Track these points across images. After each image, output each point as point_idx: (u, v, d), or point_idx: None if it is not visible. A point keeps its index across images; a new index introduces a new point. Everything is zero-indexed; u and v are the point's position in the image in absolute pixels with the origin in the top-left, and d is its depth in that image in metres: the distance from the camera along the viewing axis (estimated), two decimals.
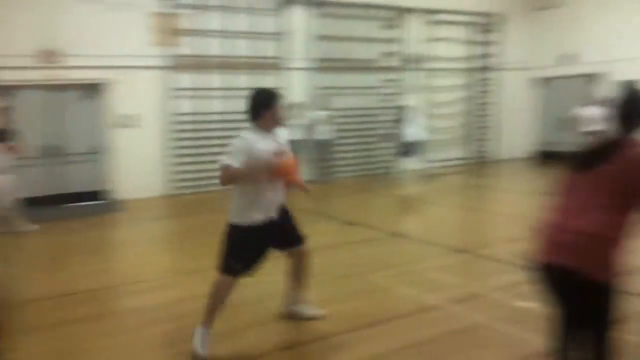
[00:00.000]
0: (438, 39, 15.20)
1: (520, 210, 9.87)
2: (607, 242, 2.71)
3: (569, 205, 2.86)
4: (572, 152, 3.05)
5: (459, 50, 15.79)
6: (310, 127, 12.99)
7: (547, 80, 16.86)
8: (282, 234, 4.36)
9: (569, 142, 15.75)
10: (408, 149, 12.36)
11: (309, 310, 4.73)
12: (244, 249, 4.16)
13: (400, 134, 12.55)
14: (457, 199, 11.76)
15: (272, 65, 12.89)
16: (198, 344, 4.07)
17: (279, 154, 4.15)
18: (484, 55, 16.24)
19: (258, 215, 4.15)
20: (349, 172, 14.18)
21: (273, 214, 4.24)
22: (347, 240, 7.74)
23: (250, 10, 12.66)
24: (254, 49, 12.69)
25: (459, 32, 15.72)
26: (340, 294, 5.40)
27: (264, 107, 4.18)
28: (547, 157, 16.42)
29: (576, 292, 2.79)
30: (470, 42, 16.00)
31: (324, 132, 13.11)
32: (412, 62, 14.90)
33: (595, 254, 2.71)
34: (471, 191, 12.69)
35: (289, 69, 13.13)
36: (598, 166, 2.75)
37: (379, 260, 6.67)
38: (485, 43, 16.23)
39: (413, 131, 12.68)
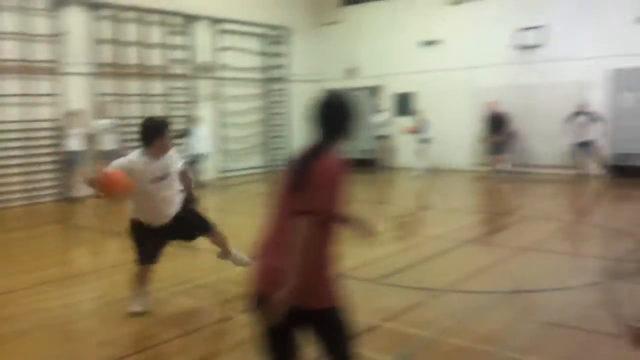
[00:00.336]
0: (227, 48, 15.24)
1: None
2: (310, 266, 2.38)
3: (270, 229, 2.57)
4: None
5: (250, 61, 16.01)
6: (92, 136, 12.07)
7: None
8: (180, 229, 4.98)
9: (355, 150, 17.02)
10: (194, 160, 12.23)
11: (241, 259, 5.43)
12: (139, 242, 4.88)
13: (188, 146, 12.37)
14: (251, 207, 11.82)
15: (46, 69, 11.74)
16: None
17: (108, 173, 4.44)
18: (274, 67, 16.69)
19: (146, 219, 4.80)
20: None
21: (163, 220, 4.82)
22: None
23: (20, 9, 11.38)
24: (25, 52, 11.45)
25: (249, 43, 15.94)
26: (126, 315, 5.01)
27: (155, 135, 4.63)
28: (359, 165, 17.37)
29: (299, 323, 2.48)
30: (260, 53, 16.33)
31: (108, 142, 12.26)
32: (201, 70, 14.71)
33: (303, 283, 2.33)
34: (265, 199, 12.85)
35: (66, 73, 12.05)
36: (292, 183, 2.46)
37: (169, 276, 6.34)
38: (275, 55, 16.69)
39: (199, 142, 12.74)
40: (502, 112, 13.52)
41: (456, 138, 14.54)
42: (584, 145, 12.50)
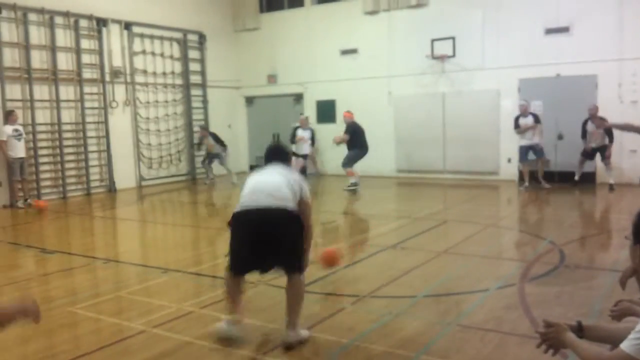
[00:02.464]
0: (141, 53, 14.82)
1: None
2: None
3: None
4: None
5: (166, 66, 15.63)
6: None
7: (258, 99, 17.79)
8: None
9: None
10: None
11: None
12: None
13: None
14: (170, 217, 11.52)
15: None
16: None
17: None
18: (192, 72, 16.37)
19: None
20: (47, 194, 12.78)
21: None
22: (46, 271, 6.86)
23: None
24: None
25: (164, 48, 15.55)
26: (34, 332, 4.68)
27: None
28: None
29: None
30: (177, 59, 15.96)
31: (18, 150, 11.58)
32: (114, 75, 14.18)
33: None
34: (185, 208, 12.56)
35: None
36: None
37: (82, 289, 6.04)
38: (192, 60, 16.37)
39: None
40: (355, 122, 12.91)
41: (376, 145, 14.75)
42: (532, 148, 12.30)
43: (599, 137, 11.61)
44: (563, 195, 11.61)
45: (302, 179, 4.48)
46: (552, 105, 13.00)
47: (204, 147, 15.51)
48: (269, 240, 4.12)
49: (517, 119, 12.42)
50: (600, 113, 11.98)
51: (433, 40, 14.28)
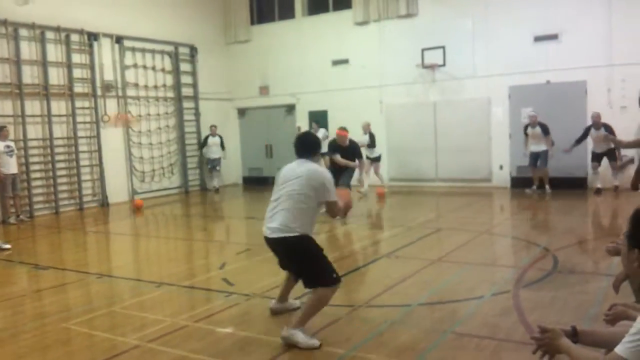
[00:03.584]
0: (133, 66, 14.84)
1: (231, 236, 10.09)
2: None
3: None
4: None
5: (158, 79, 15.65)
6: None
7: (250, 110, 17.82)
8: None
9: (273, 168, 16.99)
10: None
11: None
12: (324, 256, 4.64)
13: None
14: (165, 230, 11.48)
15: None
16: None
17: None
18: (184, 85, 16.39)
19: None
20: (40, 209, 12.74)
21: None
22: (39, 287, 6.82)
23: None
24: None
25: (156, 61, 15.57)
26: (28, 349, 4.65)
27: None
28: (253, 183, 17.32)
29: None
30: (169, 72, 15.98)
31: (10, 166, 11.53)
32: (106, 89, 14.18)
33: None
34: (180, 221, 12.51)
35: None
36: None
37: (75, 305, 6.00)
38: (184, 73, 16.40)
39: None
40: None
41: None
42: (538, 155, 12.40)
43: (602, 143, 11.61)
44: (555, 201, 11.67)
45: (327, 175, 4.67)
46: (543, 111, 13.06)
47: (209, 149, 16.06)
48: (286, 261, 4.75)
49: (525, 128, 12.56)
50: (590, 119, 12.09)
51: (423, 50, 14.38)
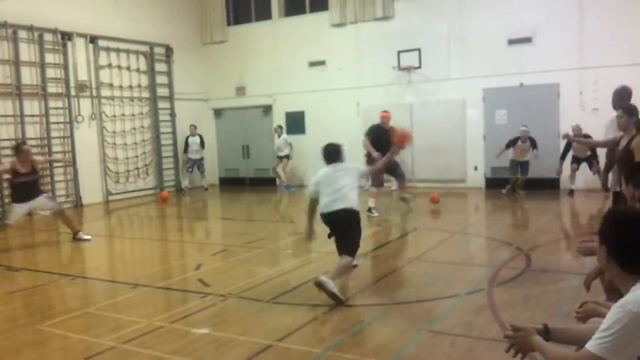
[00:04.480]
0: (107, 66, 14.67)
1: (207, 237, 10.03)
2: None
3: None
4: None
5: (133, 79, 15.50)
6: None
7: (226, 111, 17.74)
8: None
9: (250, 169, 16.97)
10: None
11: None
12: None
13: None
14: (140, 231, 11.37)
15: None
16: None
17: None
18: (159, 85, 16.26)
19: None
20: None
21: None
22: (12, 289, 6.69)
23: None
24: None
25: (131, 61, 15.42)
26: (1, 351, 4.59)
27: None
28: (230, 183, 17.25)
29: None
30: (143, 72, 15.84)
31: None
32: (80, 89, 14.00)
33: None
34: (155, 222, 12.40)
35: None
36: None
37: (49, 307, 5.92)
38: (160, 73, 16.27)
39: None
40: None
41: (345, 156, 14.80)
42: (521, 165, 12.58)
43: (582, 149, 11.81)
44: (528, 202, 11.86)
45: (354, 166, 6.40)
46: (516, 113, 13.30)
47: (189, 149, 16.01)
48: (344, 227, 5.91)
49: (514, 141, 12.47)
50: (562, 121, 12.31)
51: (399, 52, 14.48)
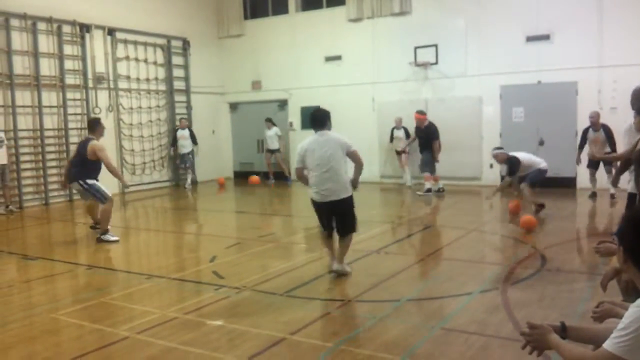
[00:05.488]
0: (125, 59, 14.76)
1: (220, 229, 10.08)
2: None
3: None
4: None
5: (150, 72, 15.57)
6: None
7: (242, 105, 17.78)
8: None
9: (264, 163, 16.97)
10: None
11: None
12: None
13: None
14: (155, 223, 11.45)
15: None
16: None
17: None
18: (176, 78, 16.33)
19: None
20: (30, 200, 12.67)
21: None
22: (28, 277, 6.79)
23: None
24: None
25: (148, 54, 15.49)
26: (15, 339, 4.64)
27: None
28: (244, 177, 17.27)
29: None
30: (161, 65, 15.91)
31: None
32: (98, 81, 14.10)
33: None
34: (171, 214, 12.48)
35: None
36: None
37: (64, 295, 5.99)
38: (177, 66, 16.33)
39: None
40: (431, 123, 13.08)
41: (360, 151, 14.75)
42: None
43: (600, 146, 10.89)
44: (545, 200, 11.73)
45: (342, 137, 6.18)
46: (533, 111, 13.18)
47: (179, 144, 15.54)
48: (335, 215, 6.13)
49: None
50: (580, 119, 12.17)
51: (416, 48, 14.40)
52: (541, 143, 12.95)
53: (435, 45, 14.23)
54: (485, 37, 13.71)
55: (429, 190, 12.82)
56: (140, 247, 8.99)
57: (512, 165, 9.69)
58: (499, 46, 13.53)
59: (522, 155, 9.88)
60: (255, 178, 15.89)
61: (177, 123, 15.86)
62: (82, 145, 8.68)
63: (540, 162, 9.93)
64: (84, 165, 8.48)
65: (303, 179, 6.22)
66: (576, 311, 4.86)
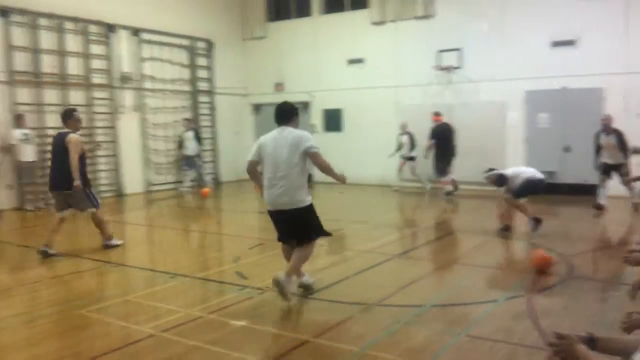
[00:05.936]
0: (150, 59, 14.92)
1: (242, 229, 10.13)
2: None
3: None
4: None
5: (174, 72, 15.72)
6: (9, 147, 11.44)
7: (265, 107, 17.85)
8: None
9: None
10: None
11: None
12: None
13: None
14: (179, 222, 11.54)
15: None
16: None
17: None
18: (200, 79, 16.46)
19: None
20: None
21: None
22: (56, 273, 6.89)
23: None
24: None
25: (173, 54, 15.64)
26: (43, 335, 4.73)
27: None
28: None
29: None
30: (185, 65, 16.05)
31: (27, 154, 11.68)
32: (123, 81, 14.28)
33: None
34: (195, 213, 12.58)
35: None
36: None
37: (91, 292, 6.08)
38: (200, 67, 16.46)
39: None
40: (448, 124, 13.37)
41: (381, 155, 14.73)
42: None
43: (613, 151, 10.48)
44: (570, 207, 11.60)
45: (306, 134, 5.38)
46: (559, 117, 13.04)
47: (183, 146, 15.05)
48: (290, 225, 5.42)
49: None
50: None
51: (440, 52, 14.35)
52: (567, 149, 12.80)
53: (459, 49, 14.16)
54: (510, 41, 13.61)
55: (449, 192, 13.05)
56: (164, 245, 9.06)
57: (498, 178, 8.97)
58: (524, 51, 13.41)
59: (509, 170, 9.18)
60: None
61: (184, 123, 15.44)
62: (58, 140, 7.60)
63: (526, 172, 8.85)
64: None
65: (254, 175, 5.48)
66: (604, 321, 4.79)
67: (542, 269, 6.22)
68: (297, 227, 5.35)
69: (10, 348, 4.50)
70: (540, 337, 4.36)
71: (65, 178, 7.44)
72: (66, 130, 7.61)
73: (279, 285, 5.14)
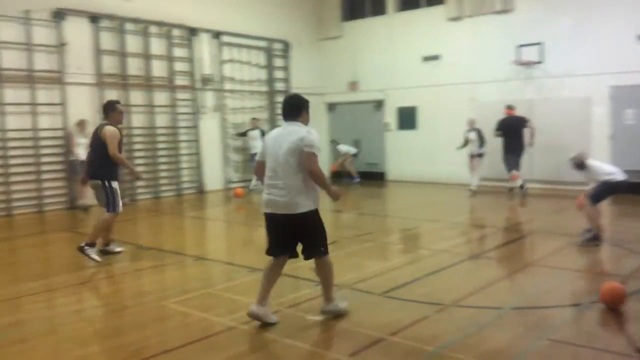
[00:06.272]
0: (229, 61, 15.33)
1: None
2: None
3: None
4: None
5: (253, 74, 16.08)
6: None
7: (339, 105, 17.96)
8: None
9: (360, 163, 17.03)
10: None
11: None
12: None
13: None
14: (257, 218, 11.79)
15: (49, 79, 11.78)
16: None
17: None
18: (277, 80, 16.74)
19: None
20: (142, 194, 13.50)
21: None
22: (140, 266, 7.23)
23: (22, 19, 11.45)
24: (27, 62, 11.51)
25: (251, 56, 16.00)
26: (128, 324, 4.99)
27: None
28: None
29: None
30: (263, 66, 16.38)
31: None
32: (204, 82, 14.77)
33: None
34: None
35: (69, 83, 12.09)
36: None
37: (172, 285, 6.35)
38: (277, 68, 16.75)
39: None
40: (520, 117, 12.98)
41: (458, 153, 14.44)
42: None
43: None
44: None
45: (310, 131, 4.77)
46: None
47: (249, 144, 14.81)
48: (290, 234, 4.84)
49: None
50: None
51: (519, 46, 13.91)
52: None
53: (540, 44, 13.67)
54: (593, 35, 13.00)
55: (522, 186, 12.69)
56: (242, 240, 9.30)
57: (577, 165, 8.00)
58: (608, 45, 12.77)
59: (595, 162, 8.08)
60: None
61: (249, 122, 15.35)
62: (96, 132, 7.36)
63: (607, 174, 7.71)
64: (105, 159, 7.18)
65: (263, 177, 4.94)
66: None
67: (612, 305, 4.99)
68: (295, 237, 4.80)
69: (98, 336, 4.77)
70: (628, 344, 4.16)
71: (96, 167, 7.28)
72: (105, 122, 7.40)
73: (257, 318, 4.72)
